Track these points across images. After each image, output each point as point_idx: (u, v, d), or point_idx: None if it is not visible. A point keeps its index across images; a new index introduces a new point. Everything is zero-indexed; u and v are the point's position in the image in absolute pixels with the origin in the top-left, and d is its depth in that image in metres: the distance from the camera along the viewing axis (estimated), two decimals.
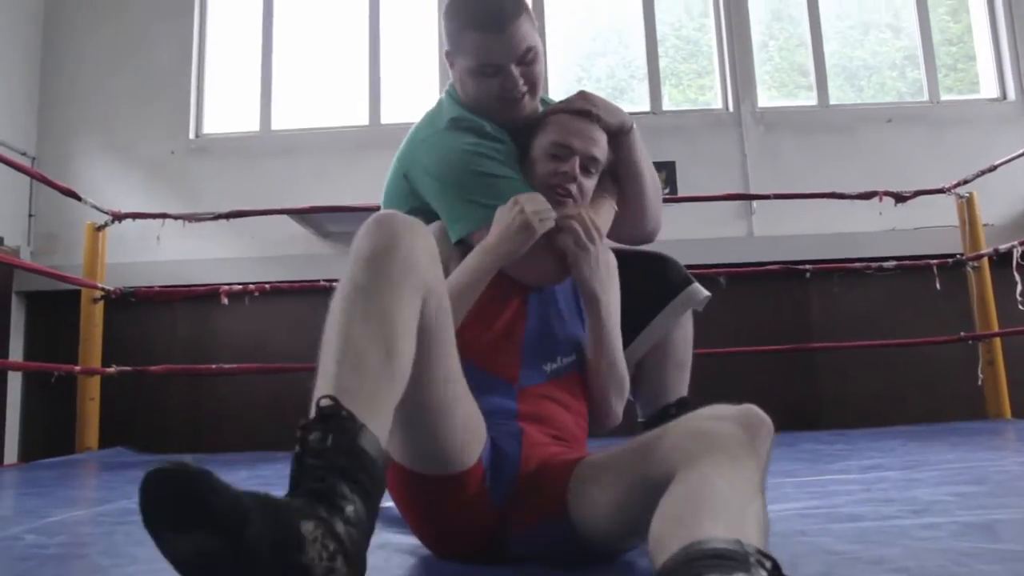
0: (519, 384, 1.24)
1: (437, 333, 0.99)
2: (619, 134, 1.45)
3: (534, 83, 1.44)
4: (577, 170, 1.34)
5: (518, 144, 1.44)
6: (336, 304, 0.93)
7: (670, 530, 0.74)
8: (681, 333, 1.58)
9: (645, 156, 1.51)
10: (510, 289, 1.31)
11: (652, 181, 1.53)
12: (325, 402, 0.83)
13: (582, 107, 1.40)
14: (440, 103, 1.54)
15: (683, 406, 1.58)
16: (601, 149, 1.39)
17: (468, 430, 1.06)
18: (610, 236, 1.48)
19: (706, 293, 1.58)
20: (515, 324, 1.29)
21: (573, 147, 1.35)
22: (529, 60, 1.42)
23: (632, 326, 1.46)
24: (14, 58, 4.36)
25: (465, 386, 1.07)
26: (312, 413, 0.84)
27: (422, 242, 0.98)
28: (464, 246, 1.35)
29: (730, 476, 0.79)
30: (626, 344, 1.42)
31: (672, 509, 0.78)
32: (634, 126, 1.48)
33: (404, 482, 1.10)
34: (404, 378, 0.90)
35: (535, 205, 1.26)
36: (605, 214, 1.41)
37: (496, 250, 1.26)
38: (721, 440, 0.84)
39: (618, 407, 1.36)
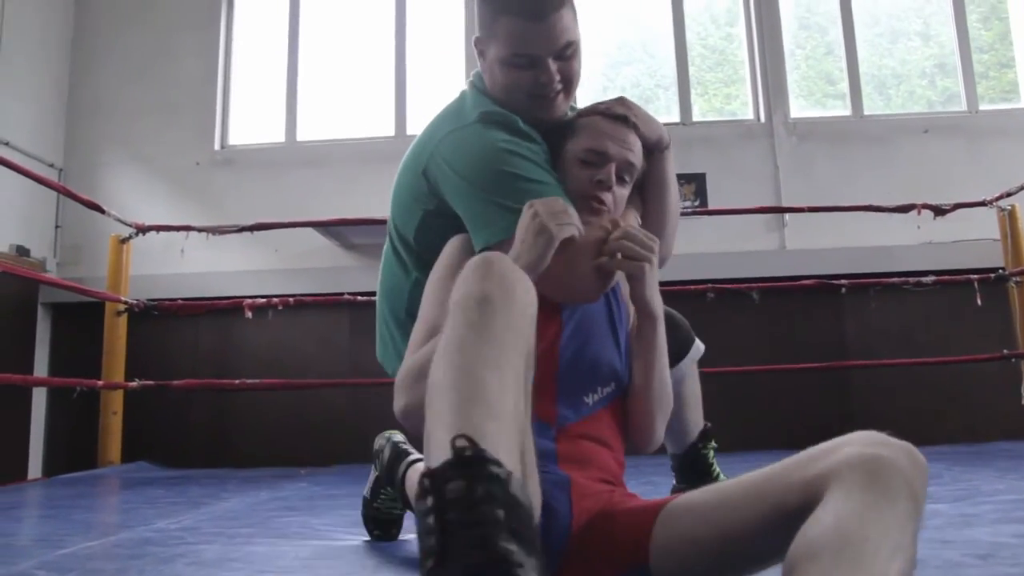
0: (557, 423, 1.13)
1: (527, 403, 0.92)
2: (655, 149, 1.37)
3: (570, 80, 1.34)
4: (613, 178, 1.25)
5: (550, 148, 1.33)
6: (450, 345, 0.83)
7: (805, 566, 0.70)
8: (691, 381, 1.71)
9: (674, 177, 1.43)
10: (539, 310, 1.21)
11: (675, 204, 1.44)
12: (461, 443, 0.67)
13: (619, 111, 1.30)
14: (463, 95, 1.42)
15: (705, 436, 1.78)
16: (637, 156, 1.29)
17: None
18: None
19: (703, 347, 1.71)
20: (549, 352, 1.17)
21: (609, 153, 1.25)
22: (568, 55, 1.32)
23: None
24: (43, 71, 4.38)
25: (534, 456, 0.97)
26: (440, 457, 0.68)
27: (532, 295, 0.93)
28: None
29: (886, 520, 0.72)
30: None
31: (813, 540, 0.72)
32: (670, 144, 1.40)
33: None
34: (528, 435, 0.82)
35: (552, 208, 1.14)
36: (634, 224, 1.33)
37: (517, 264, 1.16)
38: (885, 472, 0.76)
39: (661, 429, 1.26)
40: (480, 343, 0.82)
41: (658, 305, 1.19)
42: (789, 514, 0.80)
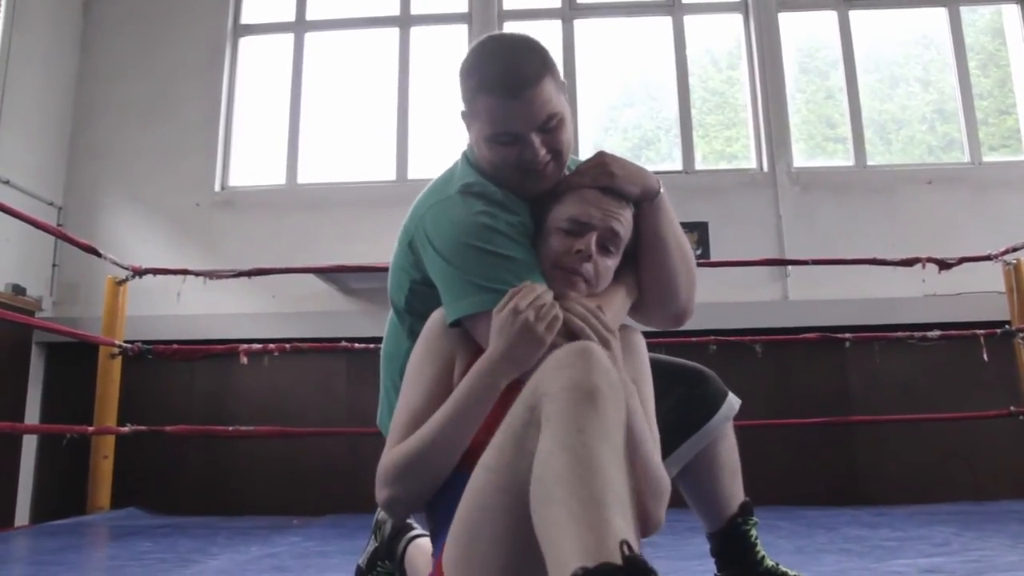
0: None
1: None
2: (643, 201, 1.28)
3: (559, 151, 1.27)
4: (594, 248, 1.18)
5: (535, 214, 1.28)
6: (568, 437, 0.82)
7: None
8: (727, 443, 1.52)
9: (674, 226, 1.33)
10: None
11: (681, 254, 1.33)
12: (627, 549, 0.71)
13: (601, 181, 1.23)
14: (455, 165, 1.39)
15: (746, 510, 1.54)
16: (624, 225, 1.23)
17: None
18: (636, 319, 1.35)
19: (739, 402, 1.55)
20: None
21: (591, 222, 1.19)
22: (552, 127, 1.26)
23: (676, 439, 1.39)
24: (46, 111, 4.38)
25: None
26: (594, 557, 0.71)
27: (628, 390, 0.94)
28: (464, 329, 1.19)
29: None
30: (669, 452, 1.34)
31: None
32: (661, 190, 1.29)
33: None
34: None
35: (529, 298, 1.07)
36: (617, 305, 1.25)
37: (497, 368, 1.07)
38: None
39: (657, 512, 1.15)
40: (600, 438, 0.81)
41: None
42: None
